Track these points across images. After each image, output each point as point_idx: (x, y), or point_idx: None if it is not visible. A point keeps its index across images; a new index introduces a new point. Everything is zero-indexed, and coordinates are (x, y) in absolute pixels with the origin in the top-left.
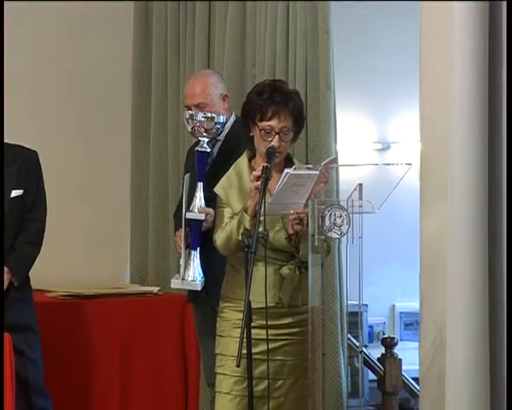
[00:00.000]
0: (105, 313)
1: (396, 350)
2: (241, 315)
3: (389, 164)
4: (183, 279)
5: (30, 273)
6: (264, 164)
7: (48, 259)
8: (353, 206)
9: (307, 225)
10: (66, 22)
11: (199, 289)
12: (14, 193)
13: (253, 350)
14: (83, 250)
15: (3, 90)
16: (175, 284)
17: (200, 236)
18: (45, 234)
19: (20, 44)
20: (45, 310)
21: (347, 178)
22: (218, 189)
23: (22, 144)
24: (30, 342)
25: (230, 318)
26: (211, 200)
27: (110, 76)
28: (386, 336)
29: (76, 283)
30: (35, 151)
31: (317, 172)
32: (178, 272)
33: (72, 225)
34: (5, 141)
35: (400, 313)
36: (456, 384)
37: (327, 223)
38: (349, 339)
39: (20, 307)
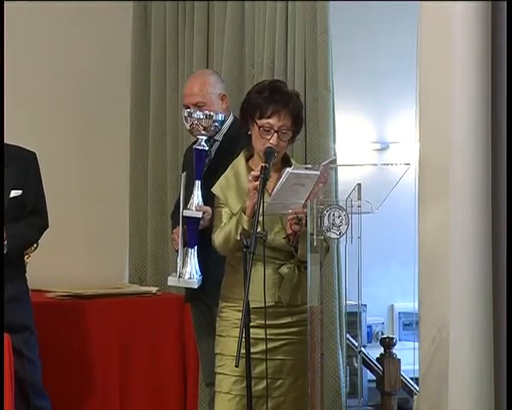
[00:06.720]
0: (104, 314)
1: (395, 350)
2: (240, 315)
3: (388, 164)
4: (179, 277)
5: (29, 273)
6: (263, 164)
7: (47, 259)
8: (352, 206)
9: (306, 225)
10: (65, 22)
11: (195, 286)
12: (14, 193)
13: (253, 350)
14: (82, 251)
15: (3, 89)
16: (171, 281)
17: (198, 234)
18: (44, 234)
19: (18, 42)
20: (44, 310)
21: (346, 178)
22: (215, 189)
23: (20, 145)
24: (28, 342)
25: (230, 317)
26: (208, 200)
27: (108, 76)
28: (384, 336)
29: (75, 283)
30: (34, 152)
31: (318, 173)
32: (176, 270)
33: (71, 225)
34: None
35: (399, 313)
36: (460, 384)
37: (326, 223)
38: (348, 339)
39: (18, 307)
